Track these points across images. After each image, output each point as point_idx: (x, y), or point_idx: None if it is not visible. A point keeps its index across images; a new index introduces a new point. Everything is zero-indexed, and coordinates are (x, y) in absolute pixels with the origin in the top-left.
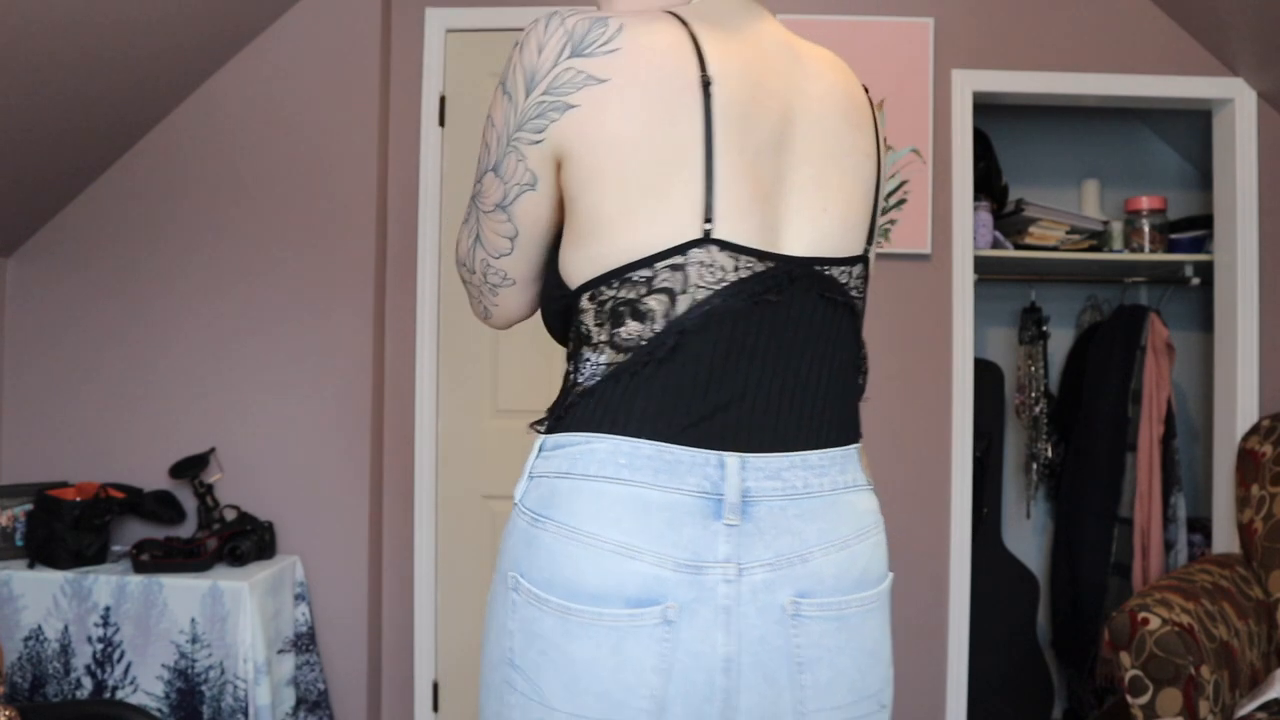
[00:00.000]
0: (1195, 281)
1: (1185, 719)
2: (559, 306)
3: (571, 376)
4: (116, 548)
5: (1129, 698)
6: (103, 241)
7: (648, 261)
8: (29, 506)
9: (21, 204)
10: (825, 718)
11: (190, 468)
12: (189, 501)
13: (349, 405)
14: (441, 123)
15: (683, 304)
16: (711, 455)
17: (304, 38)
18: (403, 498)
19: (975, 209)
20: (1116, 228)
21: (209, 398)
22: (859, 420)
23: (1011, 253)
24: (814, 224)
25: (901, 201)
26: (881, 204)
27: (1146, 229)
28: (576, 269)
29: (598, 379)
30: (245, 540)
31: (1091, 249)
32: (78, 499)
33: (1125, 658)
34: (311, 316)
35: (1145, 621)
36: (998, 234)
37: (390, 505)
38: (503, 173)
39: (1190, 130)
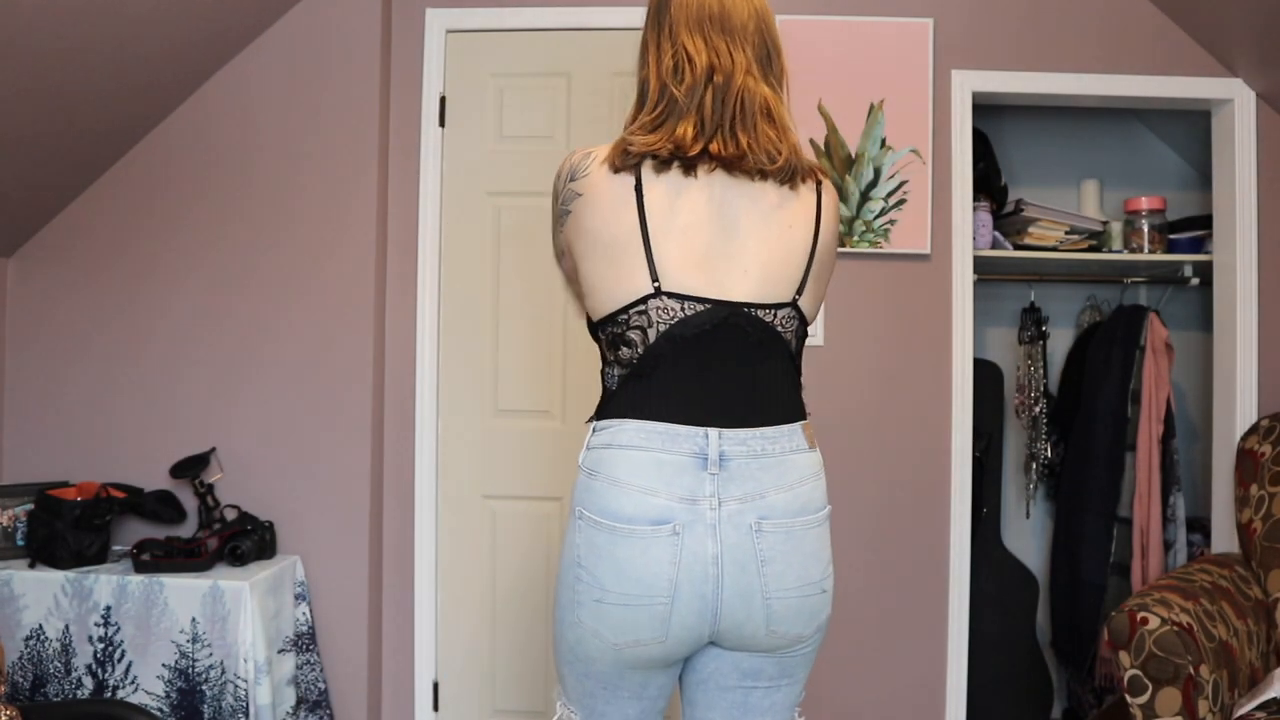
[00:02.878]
0: (1194, 281)
1: (1184, 718)
2: (591, 328)
3: (604, 384)
4: (117, 547)
5: (1128, 697)
6: (103, 242)
7: (623, 310)
8: (30, 506)
9: (21, 204)
10: (782, 595)
11: (191, 467)
12: (189, 501)
13: (349, 405)
14: (441, 123)
15: (653, 335)
16: (699, 430)
17: (304, 38)
18: (403, 498)
19: (975, 209)
20: (1116, 228)
21: (209, 398)
22: (802, 406)
23: (1011, 253)
24: (739, 282)
25: (901, 202)
26: (828, 252)
27: (1146, 229)
28: (591, 311)
29: (617, 384)
30: (246, 540)
31: (1091, 249)
32: (78, 499)
33: (1124, 657)
34: (312, 317)
35: (1144, 621)
36: (997, 234)
37: (390, 505)
38: (553, 241)
39: (1190, 130)
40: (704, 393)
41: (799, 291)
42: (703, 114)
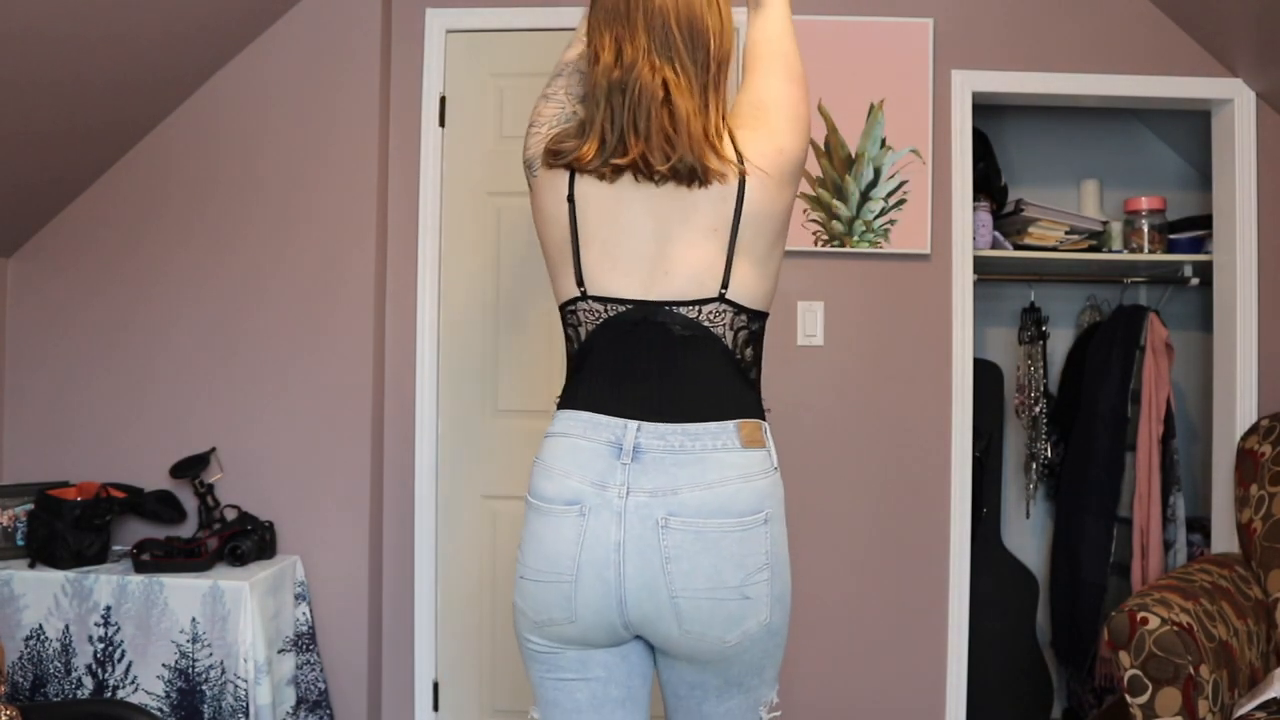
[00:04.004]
0: (1194, 281)
1: (1184, 718)
2: None
3: None
4: (117, 547)
5: (1128, 697)
6: (103, 242)
7: (562, 307)
8: (30, 506)
9: (21, 204)
10: (690, 596)
11: (191, 467)
12: (189, 501)
13: (349, 405)
14: (441, 123)
15: (583, 333)
16: (620, 421)
17: (304, 38)
18: (403, 498)
19: (975, 209)
20: (1116, 228)
21: (209, 398)
22: (744, 403)
23: (1011, 253)
24: (660, 282)
25: (901, 202)
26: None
27: (1146, 229)
28: None
29: (567, 377)
30: (246, 540)
31: (1091, 249)
32: (78, 499)
33: (1124, 657)
34: (312, 317)
35: (1144, 621)
36: (997, 234)
37: (390, 505)
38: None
39: (1189, 130)
40: (627, 387)
41: (724, 285)
42: (606, 121)
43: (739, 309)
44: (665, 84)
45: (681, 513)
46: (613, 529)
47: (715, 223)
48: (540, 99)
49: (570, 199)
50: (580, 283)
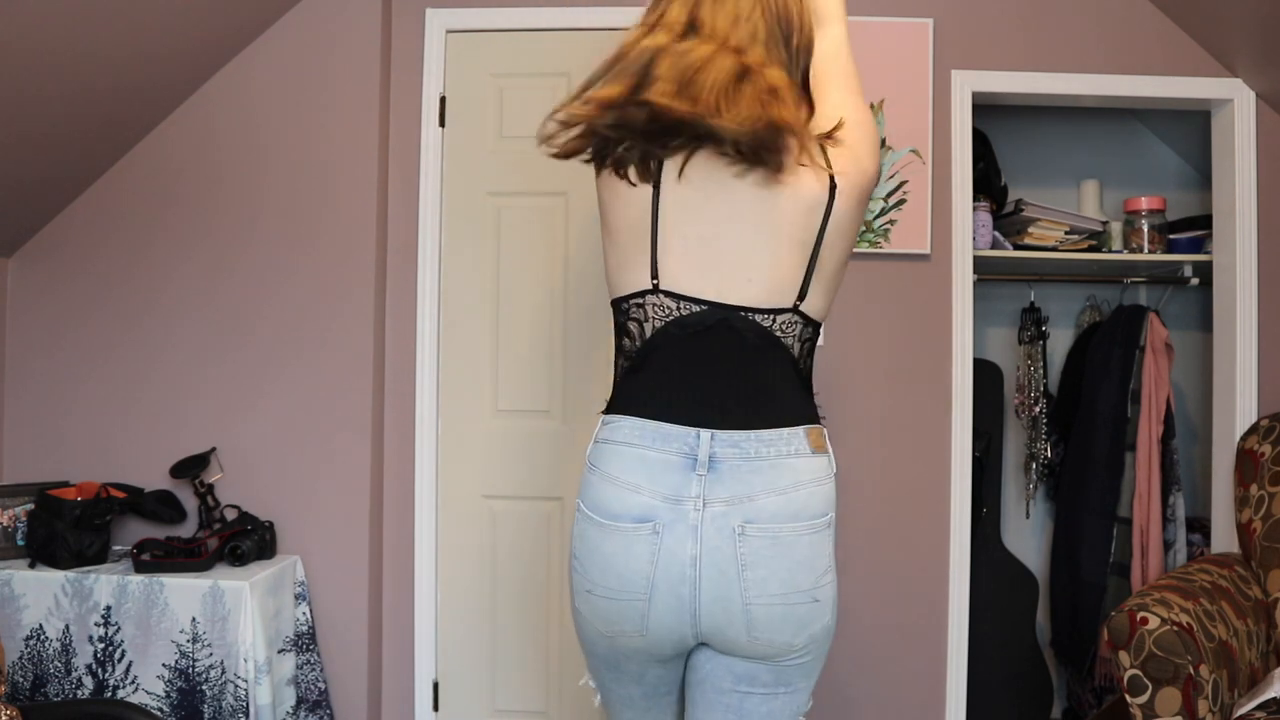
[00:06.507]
0: (1194, 281)
1: (1184, 718)
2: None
3: (615, 373)
4: (117, 547)
5: (1128, 697)
6: (103, 242)
7: (625, 299)
8: (30, 506)
9: (22, 204)
10: (764, 602)
11: (191, 467)
12: (190, 501)
13: (349, 406)
14: (442, 123)
15: (649, 329)
16: (691, 430)
17: (304, 38)
18: (403, 498)
19: (975, 209)
20: (1116, 228)
21: (209, 398)
22: (809, 410)
23: (1011, 253)
24: (742, 288)
25: (901, 202)
26: (846, 244)
27: (1145, 229)
28: (608, 288)
29: (621, 376)
30: (246, 540)
31: (1091, 249)
32: (79, 499)
33: (1124, 657)
34: (312, 317)
35: (1144, 621)
36: (997, 234)
37: (390, 505)
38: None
39: (1189, 131)
40: (698, 393)
41: (800, 297)
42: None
43: (807, 320)
44: (760, 65)
45: (758, 519)
46: (688, 544)
47: (804, 235)
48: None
49: (656, 186)
50: (655, 275)
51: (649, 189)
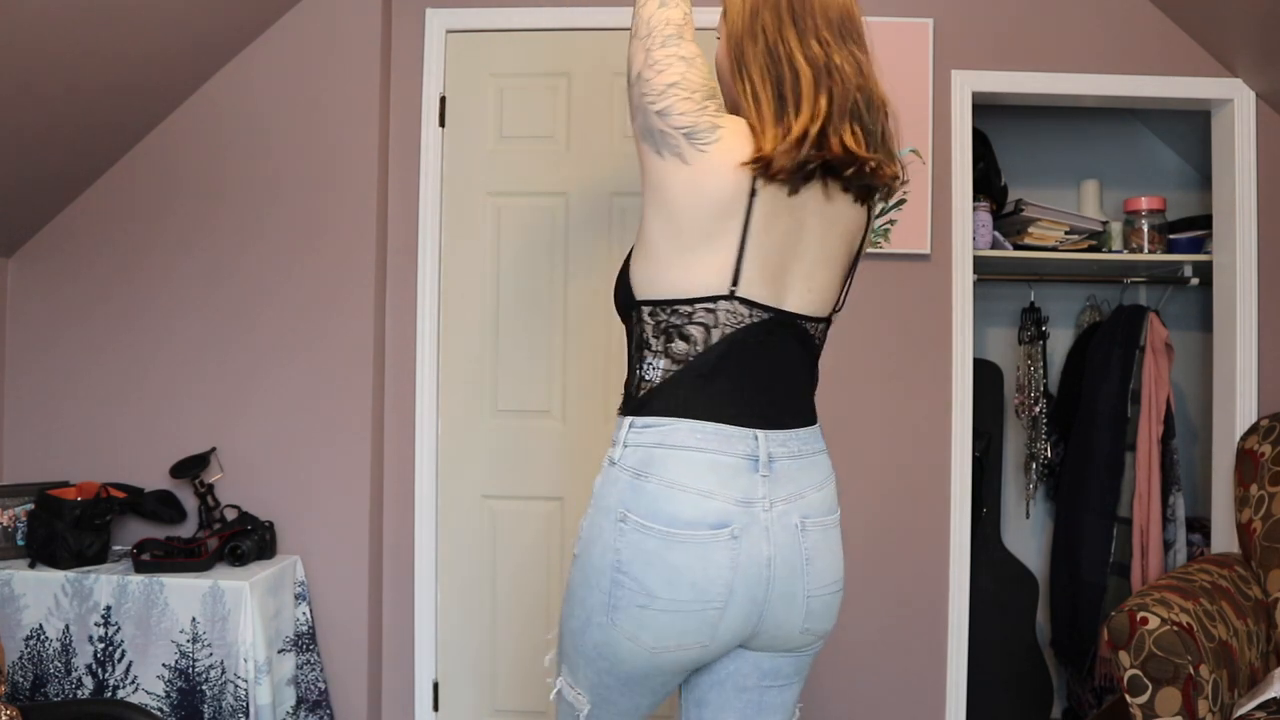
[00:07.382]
0: (1194, 281)
1: (1184, 718)
2: (623, 296)
3: (639, 371)
4: (117, 547)
5: (1128, 697)
6: (103, 242)
7: (688, 301)
8: (30, 506)
9: (22, 204)
10: (820, 593)
11: (191, 467)
12: (190, 501)
13: (349, 406)
14: (442, 123)
15: (715, 335)
16: (748, 432)
17: (304, 38)
18: (403, 498)
19: (975, 209)
20: (1116, 228)
21: (209, 398)
22: (814, 409)
23: (1011, 253)
24: (802, 296)
25: (901, 202)
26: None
27: (1145, 229)
28: (637, 283)
29: (662, 379)
30: (246, 540)
31: (1091, 249)
32: (79, 499)
33: (1124, 657)
34: (312, 316)
35: (1144, 621)
36: (997, 234)
37: (390, 505)
38: (636, 120)
39: (1189, 131)
40: (752, 395)
41: (837, 308)
42: (829, 108)
43: (829, 326)
44: (862, 69)
45: (811, 514)
46: (763, 546)
47: (851, 249)
48: (673, 57)
49: (753, 193)
50: (735, 281)
51: (744, 198)
